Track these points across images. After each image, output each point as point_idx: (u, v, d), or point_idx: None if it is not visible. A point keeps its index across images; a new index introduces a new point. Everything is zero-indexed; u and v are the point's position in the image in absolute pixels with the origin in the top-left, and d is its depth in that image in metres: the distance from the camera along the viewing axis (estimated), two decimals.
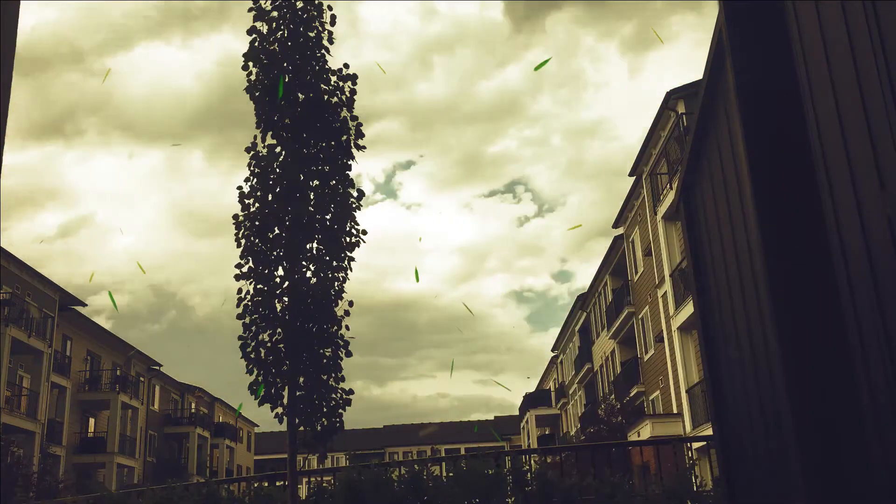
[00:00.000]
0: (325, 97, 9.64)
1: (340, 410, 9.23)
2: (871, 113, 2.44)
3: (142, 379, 45.57)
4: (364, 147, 9.79)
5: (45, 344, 33.53)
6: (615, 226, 35.71)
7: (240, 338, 9.26)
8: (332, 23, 9.87)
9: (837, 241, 2.86)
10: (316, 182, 9.34)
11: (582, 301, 45.62)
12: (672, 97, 25.24)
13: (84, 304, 37.78)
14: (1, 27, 2.18)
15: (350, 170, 9.65)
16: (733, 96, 3.52)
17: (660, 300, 28.99)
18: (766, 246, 3.21)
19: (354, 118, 9.76)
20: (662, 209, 26.90)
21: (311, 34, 9.73)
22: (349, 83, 9.76)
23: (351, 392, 9.31)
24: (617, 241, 36.09)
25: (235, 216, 9.46)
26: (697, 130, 4.86)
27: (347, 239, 9.48)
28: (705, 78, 4.37)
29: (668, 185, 25.72)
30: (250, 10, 9.73)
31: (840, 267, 2.85)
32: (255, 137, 9.66)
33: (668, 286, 27.01)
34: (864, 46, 2.46)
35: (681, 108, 24.96)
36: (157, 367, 47.39)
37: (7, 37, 2.22)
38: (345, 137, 9.66)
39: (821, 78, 2.89)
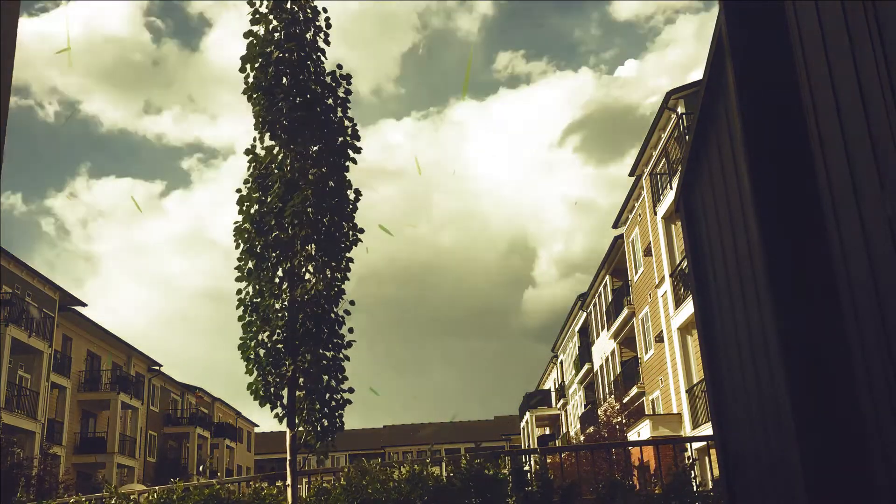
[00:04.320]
0: (321, 98, 9.67)
1: (340, 411, 9.24)
2: (871, 113, 2.44)
3: (142, 378, 45.58)
4: (360, 149, 9.80)
5: (46, 344, 33.53)
6: (615, 226, 35.70)
7: (240, 338, 9.28)
8: (328, 25, 9.89)
9: (837, 240, 2.85)
10: (311, 178, 9.35)
11: (582, 301, 45.61)
12: (672, 97, 25.25)
13: (84, 304, 37.81)
14: (1, 27, 2.18)
15: (347, 171, 9.66)
16: (733, 96, 3.52)
17: (660, 300, 28.98)
18: (766, 246, 3.21)
19: (350, 119, 9.78)
20: (662, 209, 26.90)
21: (308, 36, 9.76)
22: (344, 83, 9.77)
23: (351, 391, 9.32)
24: (617, 240, 36.09)
25: (236, 223, 9.48)
26: (697, 130, 4.86)
27: (345, 240, 9.49)
28: (705, 78, 4.36)
29: (668, 185, 25.72)
30: (248, 13, 9.75)
31: (840, 267, 2.85)
32: (254, 139, 9.70)
33: (667, 286, 27.01)
34: (864, 46, 2.46)
35: (681, 108, 24.96)
36: (157, 367, 47.41)
37: (7, 37, 2.22)
38: (341, 139, 9.68)
39: (821, 78, 2.89)
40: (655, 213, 28.29)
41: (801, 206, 3.09)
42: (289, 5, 9.75)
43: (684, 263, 22.63)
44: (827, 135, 2.87)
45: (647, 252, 30.65)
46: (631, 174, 31.41)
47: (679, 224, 22.04)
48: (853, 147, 2.62)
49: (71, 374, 37.61)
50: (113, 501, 10.93)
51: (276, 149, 9.62)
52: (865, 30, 2.43)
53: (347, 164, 9.68)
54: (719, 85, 4.10)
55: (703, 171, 4.99)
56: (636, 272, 33.09)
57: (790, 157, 3.16)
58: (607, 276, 38.91)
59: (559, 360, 57.26)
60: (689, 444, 16.25)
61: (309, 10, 9.85)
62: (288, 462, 9.20)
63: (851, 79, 2.58)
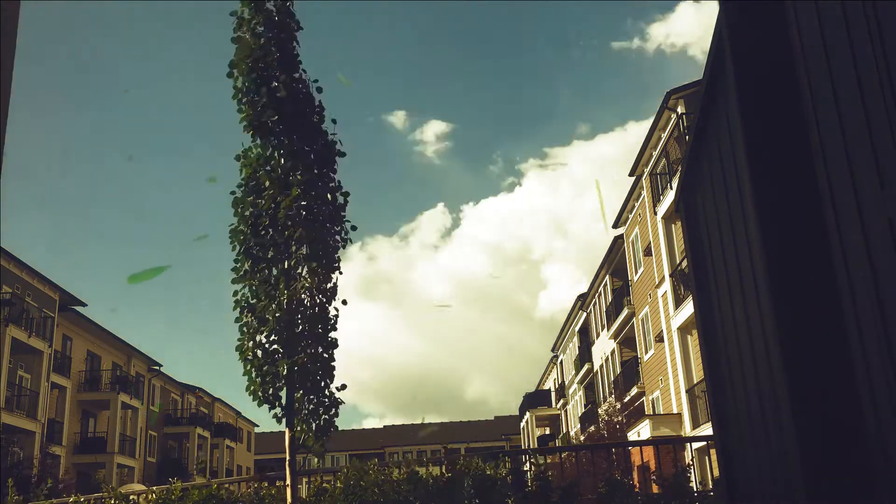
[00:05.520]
0: (306, 101, 9.83)
1: (334, 409, 9.31)
2: (871, 113, 2.44)
3: (142, 378, 45.59)
4: (344, 154, 9.95)
5: (46, 344, 33.54)
6: (615, 226, 35.70)
7: (237, 339, 9.32)
8: (298, 27, 10.07)
9: (837, 240, 2.85)
10: (301, 179, 9.44)
11: (582, 301, 45.63)
12: (672, 97, 25.25)
13: (84, 304, 37.81)
14: (1, 27, 2.18)
15: (335, 171, 9.84)
16: (733, 96, 3.52)
17: (660, 300, 28.99)
18: (766, 246, 3.21)
19: (334, 121, 9.96)
20: (662, 209, 26.90)
21: (283, 37, 9.90)
22: (319, 94, 10.00)
23: (343, 387, 9.38)
24: (617, 240, 36.09)
25: (231, 225, 9.60)
26: (697, 130, 4.86)
27: (337, 239, 9.62)
28: (705, 78, 4.36)
29: (668, 185, 25.73)
30: (231, 13, 9.89)
31: (840, 267, 2.85)
32: (244, 143, 9.84)
33: (667, 286, 27.02)
34: (864, 46, 2.46)
35: (681, 108, 24.97)
36: (157, 367, 47.42)
37: (7, 37, 2.22)
38: (329, 138, 9.85)
39: (821, 78, 2.89)
40: (655, 213, 28.29)
41: (802, 206, 3.09)
42: (270, 6, 9.89)
43: (684, 263, 22.63)
44: (827, 135, 2.87)
45: (647, 252, 30.66)
46: (631, 174, 31.41)
47: (679, 224, 22.03)
48: (853, 147, 2.62)
49: (71, 374, 37.63)
50: (112, 502, 10.93)
51: (268, 151, 9.75)
52: (865, 30, 2.43)
53: (334, 163, 9.85)
54: (719, 85, 4.10)
55: (703, 171, 4.99)
56: (636, 272, 33.09)
57: (790, 157, 3.16)
58: (607, 276, 38.92)
59: (559, 360, 57.27)
60: (689, 444, 16.25)
61: (284, 14, 9.98)
62: (287, 462, 9.21)
63: (851, 79, 2.58)
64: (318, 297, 9.33)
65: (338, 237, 9.64)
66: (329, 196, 9.67)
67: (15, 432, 30.44)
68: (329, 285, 9.45)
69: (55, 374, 35.22)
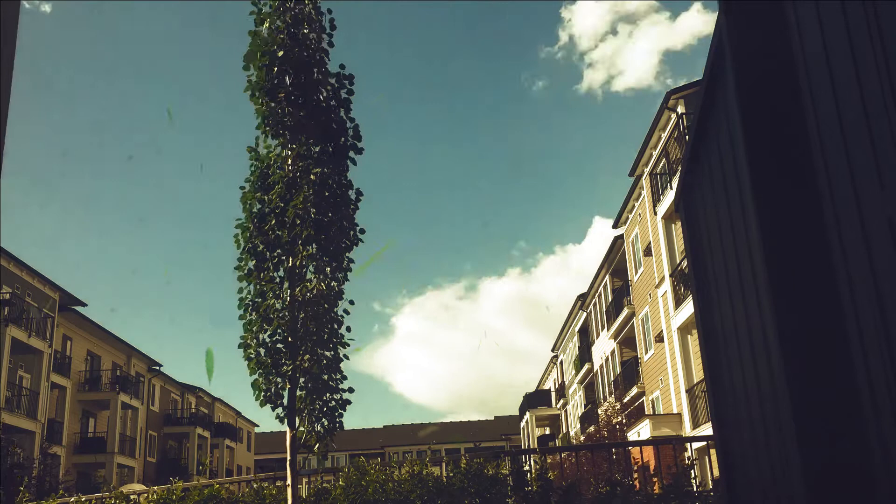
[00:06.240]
0: (324, 99, 9.68)
1: (341, 411, 9.26)
2: (871, 113, 2.44)
3: (142, 378, 45.58)
4: (362, 150, 9.82)
5: (45, 344, 33.54)
6: (615, 226, 35.69)
7: (241, 337, 9.30)
8: (332, 27, 9.91)
9: (837, 240, 2.86)
10: (313, 178, 9.34)
11: (582, 301, 45.61)
12: (672, 97, 25.24)
13: (84, 304, 37.81)
14: (1, 27, 2.18)
15: (348, 171, 9.70)
16: (733, 96, 3.52)
17: (660, 300, 28.98)
18: (765, 245, 3.21)
19: (352, 119, 9.80)
20: (662, 209, 26.90)
21: (312, 36, 9.76)
22: (347, 83, 9.78)
23: (351, 391, 9.33)
24: (617, 240, 36.08)
25: (238, 219, 9.53)
26: (697, 130, 4.86)
27: (346, 240, 9.52)
28: (705, 78, 4.36)
29: (668, 185, 25.72)
30: (251, 13, 9.74)
31: (840, 266, 2.85)
32: (256, 138, 9.73)
33: (667, 286, 27.01)
34: (864, 46, 2.46)
35: (681, 108, 24.96)
36: (158, 367, 47.41)
37: (7, 37, 2.22)
38: (343, 140, 9.71)
39: (821, 78, 2.89)
40: (655, 213, 28.28)
41: (801, 206, 3.09)
42: (292, 5, 9.75)
43: (684, 263, 22.63)
44: (827, 135, 2.87)
45: (647, 252, 30.65)
46: (631, 174, 31.40)
47: (679, 224, 22.04)
48: (853, 147, 2.62)
49: (71, 374, 37.62)
50: (113, 502, 10.93)
51: (279, 148, 9.65)
52: (865, 30, 2.43)
53: (348, 164, 9.72)
54: (719, 85, 4.10)
55: (702, 171, 4.99)
56: (636, 272, 33.08)
57: (790, 157, 3.17)
58: (607, 276, 38.90)
59: (559, 360, 57.25)
60: (689, 444, 16.25)
61: (313, 11, 9.85)
62: (288, 462, 9.21)
63: (851, 79, 2.58)
64: (325, 297, 9.25)
65: (346, 239, 9.53)
66: (340, 196, 9.54)
67: (15, 432, 30.44)
68: (336, 286, 9.38)
69: (55, 374, 35.22)
